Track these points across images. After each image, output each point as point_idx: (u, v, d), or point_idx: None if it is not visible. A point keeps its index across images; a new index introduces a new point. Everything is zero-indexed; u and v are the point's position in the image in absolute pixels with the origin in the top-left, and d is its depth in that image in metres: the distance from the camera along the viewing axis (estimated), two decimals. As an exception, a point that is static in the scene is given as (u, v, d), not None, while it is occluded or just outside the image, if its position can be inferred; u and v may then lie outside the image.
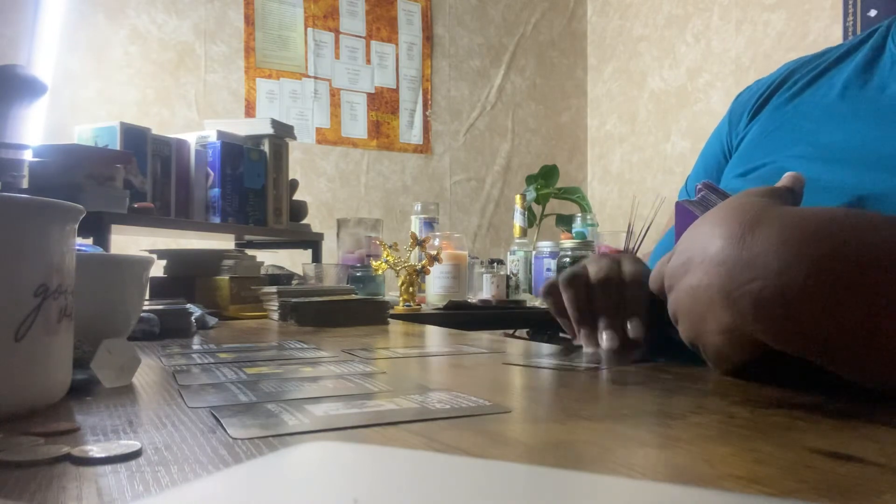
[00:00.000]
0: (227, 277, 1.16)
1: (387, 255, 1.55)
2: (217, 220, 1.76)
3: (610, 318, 0.57)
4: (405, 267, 1.59)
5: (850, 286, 0.35)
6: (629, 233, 2.12)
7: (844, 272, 0.35)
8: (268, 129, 1.87)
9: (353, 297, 1.15)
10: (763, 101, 0.68)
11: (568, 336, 0.63)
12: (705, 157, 0.76)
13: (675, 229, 0.55)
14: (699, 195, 0.54)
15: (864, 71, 0.59)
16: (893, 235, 0.36)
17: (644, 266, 0.61)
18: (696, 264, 0.42)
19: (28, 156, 1.45)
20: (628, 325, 0.56)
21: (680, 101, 2.87)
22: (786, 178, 0.49)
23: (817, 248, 0.36)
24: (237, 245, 2.04)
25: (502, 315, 1.77)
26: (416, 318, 1.56)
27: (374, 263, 1.58)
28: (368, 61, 2.85)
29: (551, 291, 0.61)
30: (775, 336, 0.38)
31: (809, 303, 0.36)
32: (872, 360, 0.36)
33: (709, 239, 0.41)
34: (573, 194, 2.59)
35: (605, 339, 0.56)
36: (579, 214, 2.22)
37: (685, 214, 0.53)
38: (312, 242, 2.06)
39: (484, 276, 1.86)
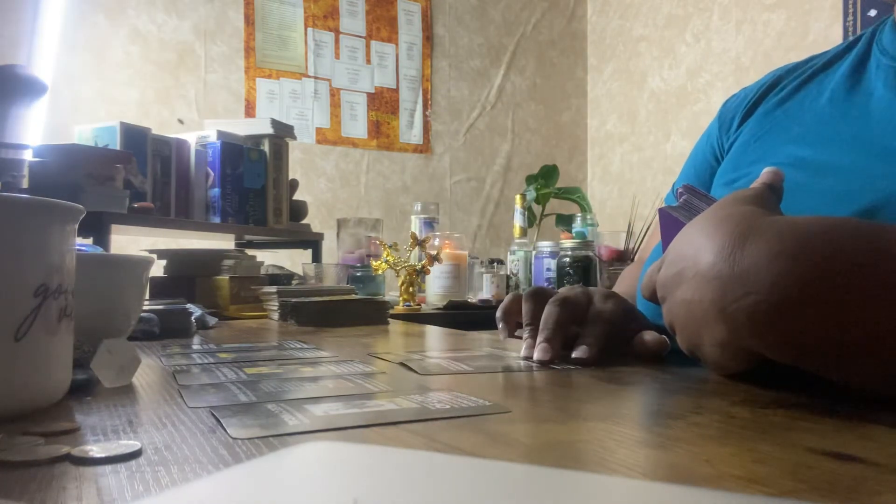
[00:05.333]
0: (227, 277, 1.16)
1: (387, 255, 1.54)
2: (217, 220, 1.76)
3: (551, 332, 0.55)
4: (405, 267, 1.59)
5: (844, 295, 0.35)
6: (629, 233, 2.12)
7: (837, 281, 0.35)
8: (268, 129, 1.87)
9: (353, 297, 1.15)
10: (751, 106, 0.68)
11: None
12: (695, 161, 0.76)
13: (661, 236, 0.54)
14: (681, 199, 0.52)
15: (850, 77, 0.60)
16: (882, 242, 0.36)
17: (622, 304, 0.60)
18: (689, 278, 0.42)
19: (28, 156, 1.44)
20: (580, 347, 0.54)
21: (680, 101, 2.87)
22: (765, 175, 0.48)
23: (808, 260, 0.36)
24: (237, 245, 2.04)
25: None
26: (416, 318, 1.56)
27: (374, 263, 1.58)
28: (368, 61, 2.85)
29: (514, 300, 0.63)
30: (772, 349, 0.38)
31: (804, 315, 0.36)
32: (871, 368, 0.36)
33: (699, 251, 0.41)
34: (573, 194, 2.59)
35: (537, 350, 0.54)
36: (579, 214, 2.22)
37: (670, 220, 0.52)
38: (312, 242, 2.06)
39: (484, 276, 1.86)
